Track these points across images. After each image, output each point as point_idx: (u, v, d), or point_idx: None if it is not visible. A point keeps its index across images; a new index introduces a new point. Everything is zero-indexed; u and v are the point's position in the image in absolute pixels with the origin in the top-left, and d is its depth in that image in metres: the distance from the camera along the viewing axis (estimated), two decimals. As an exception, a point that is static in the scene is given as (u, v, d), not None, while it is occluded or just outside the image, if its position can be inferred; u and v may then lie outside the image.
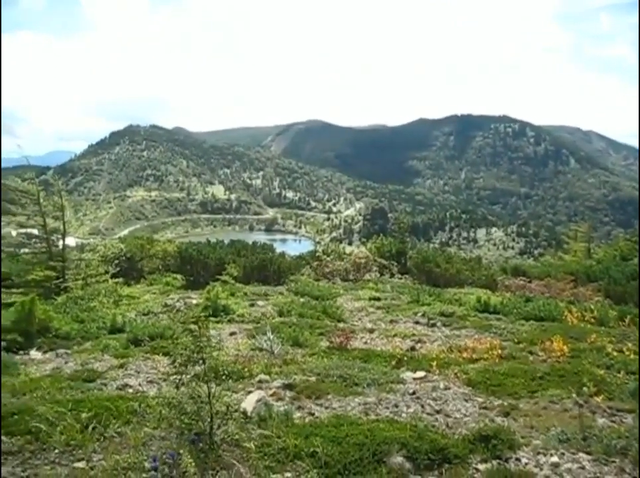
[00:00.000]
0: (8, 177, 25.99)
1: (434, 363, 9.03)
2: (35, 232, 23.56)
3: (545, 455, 5.54)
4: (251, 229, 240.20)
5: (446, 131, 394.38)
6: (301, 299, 17.59)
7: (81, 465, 5.08)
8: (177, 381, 5.36)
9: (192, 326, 5.29)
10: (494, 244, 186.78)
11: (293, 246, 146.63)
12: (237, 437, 5.32)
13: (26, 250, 24.43)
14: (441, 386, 7.94)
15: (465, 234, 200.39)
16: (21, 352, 11.66)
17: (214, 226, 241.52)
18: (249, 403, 6.40)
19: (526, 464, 5.36)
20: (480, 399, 7.41)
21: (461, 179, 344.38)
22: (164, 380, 8.47)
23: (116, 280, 22.79)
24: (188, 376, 5.30)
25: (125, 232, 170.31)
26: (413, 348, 11.26)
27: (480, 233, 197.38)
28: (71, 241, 24.80)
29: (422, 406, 7.05)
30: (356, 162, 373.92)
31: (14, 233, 29.01)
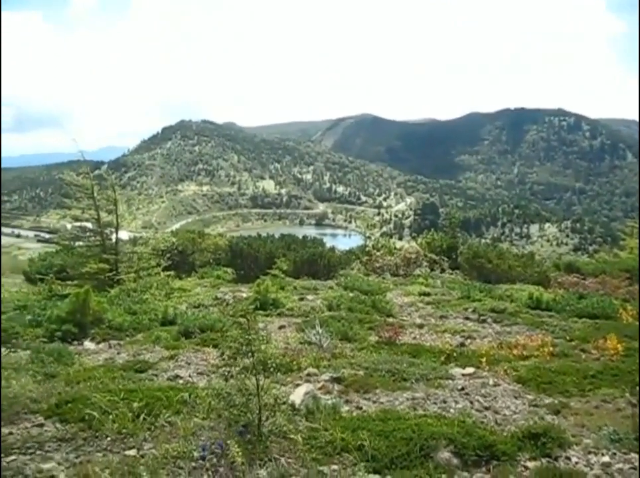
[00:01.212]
0: (63, 171, 26.53)
1: (484, 359, 8.95)
2: (89, 225, 24.01)
3: (596, 454, 5.45)
4: (301, 223, 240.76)
5: (498, 124, 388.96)
6: (351, 294, 17.54)
7: (132, 453, 5.17)
8: (226, 373, 5.42)
9: (241, 320, 5.33)
10: (548, 240, 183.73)
11: (343, 241, 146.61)
12: (285, 429, 5.36)
13: (81, 243, 24.91)
14: (491, 382, 7.87)
15: (517, 230, 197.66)
16: (75, 342, 11.91)
17: (265, 221, 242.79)
18: (297, 396, 6.43)
19: (577, 463, 5.28)
20: (530, 397, 7.33)
21: (514, 174, 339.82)
22: (214, 372, 8.56)
23: (168, 273, 23.10)
24: (238, 369, 5.35)
25: (177, 225, 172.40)
26: (462, 344, 11.17)
27: (534, 229, 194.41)
28: (124, 234, 25.23)
29: (471, 402, 7.00)
30: (407, 156, 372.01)
31: (69, 226, 29.59)
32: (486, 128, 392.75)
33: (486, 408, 6.81)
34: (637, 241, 41.22)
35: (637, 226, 46.11)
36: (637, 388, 6.72)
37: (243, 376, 5.36)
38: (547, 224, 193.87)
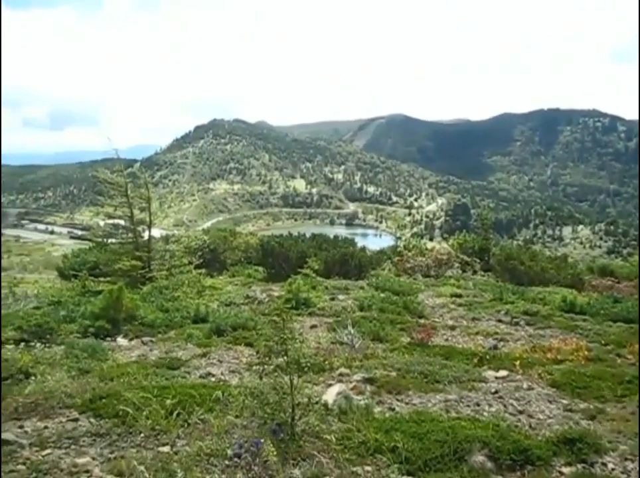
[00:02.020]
0: (97, 169, 26.89)
1: (517, 362, 8.85)
2: (122, 222, 24.25)
3: (633, 461, 5.37)
4: (331, 223, 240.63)
5: (531, 125, 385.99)
6: (382, 294, 17.47)
7: (165, 449, 5.21)
8: (260, 371, 5.43)
9: (276, 318, 5.33)
10: (581, 243, 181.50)
11: (374, 241, 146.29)
12: (318, 428, 5.35)
13: (114, 240, 25.17)
14: (524, 386, 7.79)
15: (550, 232, 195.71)
16: (108, 338, 12.03)
17: (295, 220, 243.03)
18: (330, 395, 6.42)
19: (613, 469, 5.21)
20: (564, 401, 7.23)
21: (547, 175, 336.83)
22: (248, 370, 8.59)
23: (199, 271, 23.23)
24: (271, 367, 5.36)
25: (208, 224, 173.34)
26: (495, 347, 11.06)
27: (566, 231, 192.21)
28: (155, 232, 25.46)
29: (504, 406, 6.93)
30: (438, 157, 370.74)
31: (101, 223, 29.93)
32: (519, 128, 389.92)
33: (520, 412, 6.73)
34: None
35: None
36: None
37: (276, 374, 5.36)
38: (580, 227, 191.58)
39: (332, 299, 16.85)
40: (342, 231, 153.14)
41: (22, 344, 10.77)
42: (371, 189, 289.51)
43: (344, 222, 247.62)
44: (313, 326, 12.86)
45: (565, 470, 5.13)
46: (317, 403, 5.72)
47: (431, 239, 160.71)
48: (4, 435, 5.51)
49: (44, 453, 5.24)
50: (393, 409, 6.59)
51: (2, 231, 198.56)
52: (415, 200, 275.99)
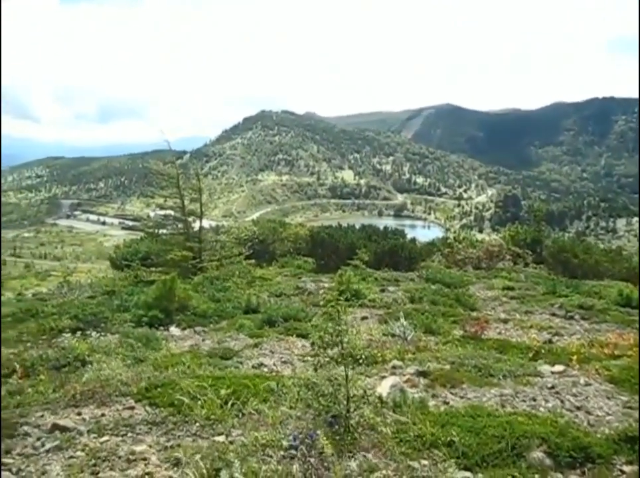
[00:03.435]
0: (147, 161, 27.30)
1: (574, 357, 8.67)
2: (172, 213, 24.53)
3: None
4: (380, 214, 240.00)
5: (585, 114, 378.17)
6: (433, 286, 17.37)
7: (221, 439, 5.22)
8: (316, 363, 5.41)
9: (331, 310, 5.30)
10: (635, 235, 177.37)
11: (422, 232, 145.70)
12: (372, 421, 5.31)
13: (165, 231, 25.46)
14: (582, 381, 7.62)
15: (603, 224, 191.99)
16: (161, 327, 12.19)
17: (343, 211, 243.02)
18: (384, 388, 6.38)
19: (676, 469, 5.06)
20: (623, 398, 7.05)
21: (600, 166, 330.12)
22: (304, 361, 8.59)
23: (249, 261, 23.36)
24: (327, 359, 5.33)
25: (256, 215, 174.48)
26: (550, 341, 10.87)
27: (620, 223, 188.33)
28: (205, 223, 25.72)
29: (561, 401, 6.79)
30: (488, 147, 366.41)
31: (152, 214, 30.36)
32: (572, 118, 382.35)
33: (578, 408, 6.58)
34: None
35: None
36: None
37: (331, 366, 5.34)
38: (635, 219, 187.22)
39: (383, 291, 16.79)
40: (390, 222, 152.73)
41: (79, 332, 10.99)
42: (420, 180, 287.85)
43: (392, 213, 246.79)
44: (363, 318, 12.83)
45: (627, 468, 4.98)
46: (371, 395, 5.67)
47: (480, 231, 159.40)
48: (63, 422, 5.61)
49: (101, 440, 5.31)
50: (447, 403, 6.51)
51: (57, 221, 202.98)
52: (465, 191, 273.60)
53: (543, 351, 9.46)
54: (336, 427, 5.10)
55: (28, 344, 10.35)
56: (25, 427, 5.62)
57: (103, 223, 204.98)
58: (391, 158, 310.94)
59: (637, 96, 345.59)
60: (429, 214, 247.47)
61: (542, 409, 6.45)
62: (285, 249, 29.81)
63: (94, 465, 4.75)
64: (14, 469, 4.74)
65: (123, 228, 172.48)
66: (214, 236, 25.66)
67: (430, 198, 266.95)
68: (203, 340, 11.09)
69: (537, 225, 31.57)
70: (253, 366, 8.49)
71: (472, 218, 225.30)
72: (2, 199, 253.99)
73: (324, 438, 4.80)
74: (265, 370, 8.31)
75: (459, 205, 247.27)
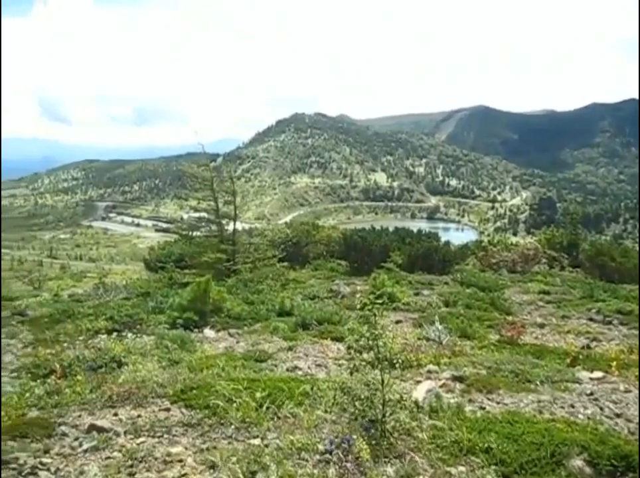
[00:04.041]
0: (181, 163, 27.68)
1: (613, 363, 8.53)
2: (205, 215, 24.69)
3: None
4: (412, 217, 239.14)
5: (622, 115, 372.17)
6: (467, 290, 17.25)
7: (256, 442, 5.21)
8: (352, 367, 5.39)
9: (367, 313, 5.28)
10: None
11: (456, 235, 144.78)
12: (409, 426, 5.27)
13: (198, 233, 25.64)
14: (621, 388, 7.49)
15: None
16: (196, 329, 12.25)
17: (376, 213, 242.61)
18: (419, 393, 6.34)
19: None
20: (665, 405, 6.93)
21: (638, 167, 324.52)
22: (339, 365, 8.56)
23: (283, 264, 23.41)
24: (363, 363, 5.31)
25: (289, 217, 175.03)
26: (588, 347, 10.71)
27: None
28: (238, 225, 25.88)
29: (601, 408, 6.67)
30: (523, 149, 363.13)
31: (185, 216, 30.66)
32: (608, 119, 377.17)
33: (618, 415, 6.46)
34: None
35: None
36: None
37: (367, 370, 5.31)
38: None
39: (417, 294, 16.72)
40: (423, 225, 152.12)
41: (115, 334, 11.10)
42: (453, 182, 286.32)
43: (425, 215, 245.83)
44: (398, 322, 12.78)
45: (670, 477, 4.88)
46: (408, 400, 5.63)
47: (514, 234, 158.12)
48: (100, 422, 5.66)
49: (138, 441, 5.35)
50: (484, 409, 6.44)
51: (92, 223, 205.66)
52: (499, 193, 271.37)
53: (581, 357, 9.32)
54: (372, 431, 5.07)
55: (65, 345, 10.48)
56: (63, 427, 5.68)
57: (138, 225, 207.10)
58: (424, 160, 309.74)
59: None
60: (463, 216, 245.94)
61: (580, 416, 6.34)
62: (318, 252, 29.83)
63: (131, 466, 4.78)
64: (52, 469, 4.79)
65: (157, 230, 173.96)
66: (247, 239, 25.75)
67: (464, 200, 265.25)
68: (237, 342, 11.12)
69: (573, 228, 31.15)
70: (287, 369, 8.48)
71: (506, 220, 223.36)
72: (40, 201, 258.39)
73: (361, 443, 4.78)
74: (300, 373, 8.29)
75: (493, 208, 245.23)
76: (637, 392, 7.41)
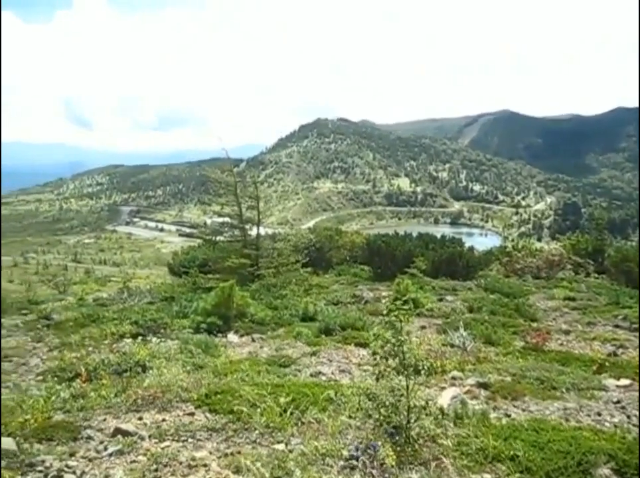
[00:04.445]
0: (205, 168, 27.91)
1: (640, 371, 8.43)
2: (228, 220, 24.81)
3: None
4: (436, 222, 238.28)
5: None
6: (492, 296, 17.14)
7: (280, 447, 5.21)
8: (377, 373, 5.37)
9: (393, 319, 5.26)
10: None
11: (479, 240, 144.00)
12: (433, 433, 5.24)
13: (222, 238, 25.75)
14: (649, 395, 7.41)
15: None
16: (220, 334, 12.31)
17: (399, 219, 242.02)
18: (444, 399, 6.31)
19: None
20: (694, 413, 6.84)
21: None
22: (360, 370, 8.55)
23: (306, 269, 23.43)
24: (389, 369, 5.29)
25: (312, 222, 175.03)
26: (614, 354, 10.58)
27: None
28: (261, 230, 25.99)
29: (628, 417, 6.59)
30: (547, 154, 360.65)
31: (208, 221, 30.77)
32: (634, 124, 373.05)
33: (645, 423, 6.40)
34: None
35: None
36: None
37: (392, 376, 5.29)
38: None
39: (441, 300, 16.66)
40: (446, 230, 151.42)
41: (139, 338, 11.18)
42: (477, 188, 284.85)
43: (448, 221, 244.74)
44: (422, 328, 12.74)
45: (699, 487, 4.82)
46: (433, 407, 5.60)
47: (539, 240, 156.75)
48: (125, 426, 5.69)
49: (162, 445, 5.37)
50: (509, 416, 6.39)
51: (116, 228, 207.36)
52: (523, 198, 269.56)
53: (607, 364, 9.21)
54: (397, 438, 5.05)
55: (90, 349, 10.57)
56: (88, 431, 5.74)
57: (161, 230, 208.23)
58: (447, 165, 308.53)
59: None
60: (487, 221, 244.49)
61: (607, 424, 6.28)
62: (342, 257, 29.84)
63: (156, 470, 4.80)
64: (78, 472, 4.82)
65: (180, 235, 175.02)
66: (270, 244, 25.81)
67: (487, 205, 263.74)
68: (261, 347, 11.15)
69: (598, 233, 30.80)
70: (311, 375, 8.48)
71: (530, 226, 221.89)
72: (65, 206, 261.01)
73: (386, 449, 4.76)
74: (324, 378, 8.29)
75: (517, 213, 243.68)
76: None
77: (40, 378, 8.62)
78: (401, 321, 5.20)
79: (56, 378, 8.24)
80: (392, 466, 4.63)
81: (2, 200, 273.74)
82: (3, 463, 4.88)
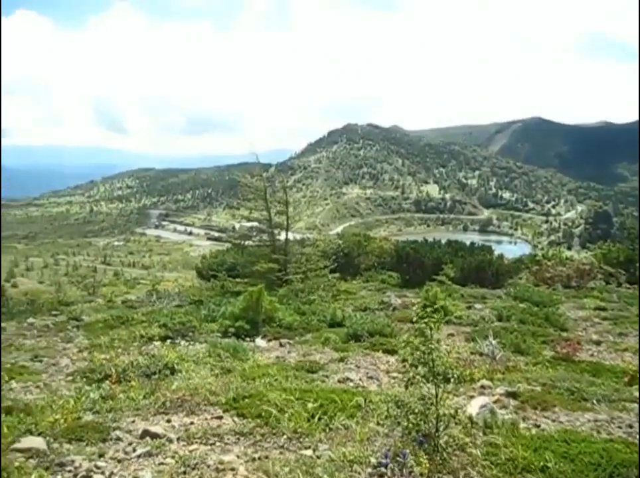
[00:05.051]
0: (234, 173, 28.06)
1: (673, 383, 8.30)
2: (257, 225, 24.89)
3: None
4: (464, 229, 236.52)
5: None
6: (521, 304, 16.99)
7: (308, 453, 5.21)
8: (407, 380, 5.35)
9: (423, 327, 5.24)
10: None
11: (508, 248, 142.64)
12: (462, 441, 5.20)
13: (250, 242, 25.82)
14: (681, 408, 7.29)
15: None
16: (247, 338, 12.34)
17: (427, 225, 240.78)
18: (473, 408, 6.24)
19: None
20: None
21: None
22: (394, 378, 8.51)
23: (334, 275, 23.40)
24: (418, 377, 5.26)
25: (340, 228, 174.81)
26: (646, 365, 10.44)
27: None
28: (289, 235, 26.03)
29: (660, 429, 6.50)
30: (578, 162, 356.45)
31: (237, 225, 30.92)
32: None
33: (678, 436, 6.29)
34: None
35: None
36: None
37: (421, 384, 5.26)
38: None
39: (469, 308, 16.57)
40: (475, 237, 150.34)
41: (168, 341, 11.26)
42: (506, 195, 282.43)
43: (477, 228, 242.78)
44: (450, 335, 12.66)
45: None
46: (462, 415, 5.56)
47: (569, 248, 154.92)
48: (154, 428, 5.73)
49: (190, 448, 5.40)
50: (539, 426, 6.32)
51: (145, 231, 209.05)
52: (553, 206, 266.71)
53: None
54: (426, 446, 5.02)
55: (120, 351, 10.65)
56: (117, 432, 5.79)
57: (190, 233, 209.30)
58: (477, 172, 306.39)
59: None
60: (516, 229, 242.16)
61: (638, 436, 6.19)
62: (370, 263, 29.77)
63: (184, 473, 4.83)
64: (107, 473, 4.87)
65: (209, 239, 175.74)
66: (299, 249, 25.82)
67: (517, 213, 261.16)
68: (289, 352, 11.17)
69: (630, 243, 30.36)
70: (339, 380, 8.48)
71: (560, 234, 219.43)
72: (95, 208, 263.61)
73: (419, 456, 4.74)
74: (351, 384, 8.29)
75: (547, 221, 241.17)
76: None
77: (70, 378, 8.71)
78: (431, 329, 5.18)
79: (85, 379, 8.33)
80: (422, 475, 4.61)
81: (34, 202, 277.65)
82: (34, 462, 4.94)
